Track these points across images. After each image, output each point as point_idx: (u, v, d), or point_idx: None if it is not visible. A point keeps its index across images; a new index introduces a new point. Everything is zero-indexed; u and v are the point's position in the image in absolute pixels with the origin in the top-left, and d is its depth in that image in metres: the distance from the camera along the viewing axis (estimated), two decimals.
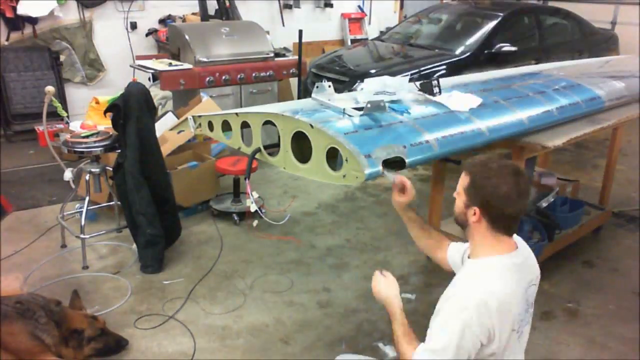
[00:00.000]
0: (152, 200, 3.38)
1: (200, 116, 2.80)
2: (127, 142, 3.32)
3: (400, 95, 2.54)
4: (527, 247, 1.80)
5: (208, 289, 3.29)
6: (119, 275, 3.40)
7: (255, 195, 4.34)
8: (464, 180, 1.73)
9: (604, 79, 3.63)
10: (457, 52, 5.62)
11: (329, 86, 2.46)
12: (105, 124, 4.23)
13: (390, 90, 2.49)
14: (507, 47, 5.62)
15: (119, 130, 3.38)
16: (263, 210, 4.19)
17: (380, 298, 1.88)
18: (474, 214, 1.68)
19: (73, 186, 3.77)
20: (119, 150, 3.43)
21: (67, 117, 4.92)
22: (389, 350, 2.78)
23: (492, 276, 1.65)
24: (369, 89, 2.52)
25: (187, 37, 5.01)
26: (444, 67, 5.36)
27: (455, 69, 5.25)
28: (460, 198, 1.75)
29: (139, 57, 5.79)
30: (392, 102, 2.47)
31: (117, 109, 3.31)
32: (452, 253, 2.05)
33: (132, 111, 3.28)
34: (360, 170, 1.97)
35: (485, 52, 5.61)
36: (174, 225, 3.63)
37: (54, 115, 4.62)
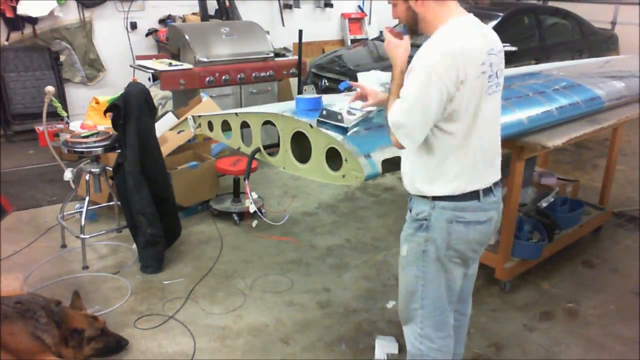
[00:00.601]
0: (152, 200, 3.38)
1: (200, 116, 2.80)
2: (127, 142, 3.32)
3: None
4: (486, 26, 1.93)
5: (208, 289, 3.29)
6: (119, 275, 3.40)
7: (255, 195, 4.39)
8: None
9: (603, 79, 3.63)
10: None
11: (312, 89, 2.49)
12: (105, 124, 4.24)
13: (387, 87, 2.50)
14: (507, 47, 5.60)
15: (119, 130, 3.38)
16: (263, 211, 4.20)
17: (391, 54, 1.96)
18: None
19: (73, 186, 3.78)
20: (119, 150, 3.43)
21: (67, 117, 4.93)
22: (379, 348, 2.78)
23: (454, 31, 1.79)
24: (364, 85, 2.53)
25: (187, 37, 5.01)
26: None
27: None
28: (399, 5, 1.90)
29: (139, 57, 5.79)
30: None
31: (117, 109, 3.32)
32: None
33: (132, 111, 3.28)
34: (360, 170, 1.97)
35: None
36: (174, 225, 3.63)
37: (54, 115, 4.64)
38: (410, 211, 2.01)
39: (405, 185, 2.01)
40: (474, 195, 1.92)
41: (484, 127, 1.89)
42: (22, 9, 5.65)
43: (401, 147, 1.84)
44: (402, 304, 2.12)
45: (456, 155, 1.87)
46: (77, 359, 2.56)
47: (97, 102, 4.90)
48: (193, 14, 6.74)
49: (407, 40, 1.95)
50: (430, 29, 1.86)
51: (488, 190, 1.96)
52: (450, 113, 1.79)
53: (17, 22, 5.75)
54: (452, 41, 1.75)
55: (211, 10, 6.59)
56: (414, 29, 1.93)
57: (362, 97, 2.15)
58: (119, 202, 3.76)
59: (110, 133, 3.56)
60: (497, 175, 2.02)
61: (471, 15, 1.87)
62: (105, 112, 3.48)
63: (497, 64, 1.87)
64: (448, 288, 2.03)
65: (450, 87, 1.73)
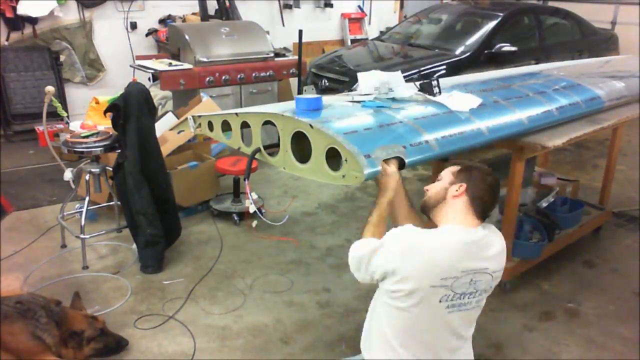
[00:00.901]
0: (152, 200, 3.38)
1: (200, 116, 2.80)
2: (127, 142, 3.32)
3: (398, 92, 2.55)
4: (499, 242, 1.91)
5: (208, 289, 3.29)
6: (119, 275, 3.40)
7: (255, 196, 4.39)
8: (451, 168, 1.98)
9: (604, 79, 3.63)
10: (457, 52, 5.62)
11: (312, 89, 2.49)
12: (105, 124, 4.24)
13: (389, 87, 2.51)
14: (507, 47, 5.62)
15: (119, 130, 3.38)
16: (263, 211, 4.20)
17: (383, 183, 2.04)
18: (458, 189, 1.90)
19: (73, 186, 3.77)
20: (119, 150, 3.43)
21: (67, 117, 4.92)
22: None
23: (437, 236, 1.84)
24: (366, 85, 2.54)
25: (187, 37, 5.01)
26: (444, 67, 5.36)
27: (455, 69, 5.25)
28: (444, 180, 1.97)
29: (139, 57, 5.79)
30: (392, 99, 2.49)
31: (117, 109, 3.31)
32: None
33: (132, 111, 3.28)
34: (360, 170, 1.97)
35: (485, 52, 5.62)
36: (174, 225, 3.63)
37: (54, 115, 4.63)
38: None
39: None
40: None
41: (436, 333, 1.89)
42: (22, 9, 5.65)
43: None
44: None
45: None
46: (77, 359, 2.56)
47: (97, 102, 4.91)
48: (193, 14, 6.74)
49: (395, 169, 2.03)
50: (438, 218, 1.95)
51: None
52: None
53: (17, 22, 5.75)
54: (421, 243, 1.80)
55: (211, 10, 6.59)
56: (429, 208, 1.99)
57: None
58: (119, 202, 3.77)
59: (110, 133, 3.56)
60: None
61: (479, 229, 1.88)
62: (105, 112, 3.48)
63: (484, 283, 1.86)
64: None
65: (386, 268, 1.81)
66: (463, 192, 1.90)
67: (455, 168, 1.98)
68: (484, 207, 1.90)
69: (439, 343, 1.90)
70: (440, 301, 1.80)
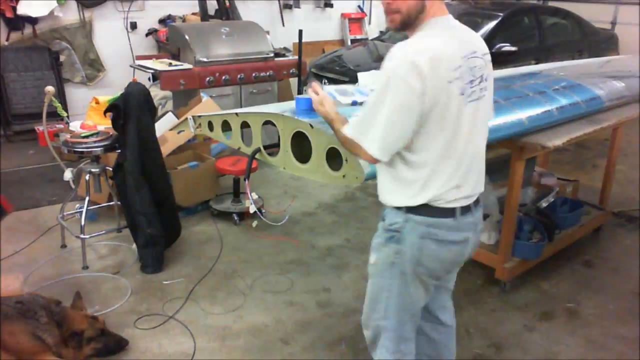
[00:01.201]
0: (152, 200, 3.38)
1: (200, 116, 2.80)
2: (127, 142, 3.32)
3: None
4: (465, 26, 1.84)
5: (208, 289, 3.29)
6: (119, 275, 3.40)
7: (255, 196, 4.39)
8: None
9: (603, 79, 3.63)
10: None
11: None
12: (105, 124, 4.23)
13: None
14: (507, 47, 5.62)
15: (119, 131, 3.38)
16: (263, 211, 4.20)
17: (318, 112, 1.94)
18: None
19: (73, 186, 3.77)
20: (119, 151, 3.43)
21: (67, 117, 4.92)
22: None
23: (423, 35, 1.73)
24: (366, 85, 2.53)
25: (187, 37, 5.01)
26: None
27: None
28: None
29: (139, 57, 5.79)
30: None
31: (117, 109, 3.32)
32: None
33: (132, 111, 3.28)
34: (360, 170, 1.97)
35: None
36: (174, 225, 3.63)
37: (54, 115, 4.63)
38: (383, 220, 1.93)
39: (378, 194, 1.94)
40: (449, 212, 1.81)
41: (464, 137, 1.76)
42: (22, 9, 5.65)
43: (374, 161, 1.75)
44: (365, 312, 2.08)
45: (431, 166, 1.75)
46: (77, 359, 2.56)
47: (97, 102, 4.90)
48: (193, 14, 6.74)
49: (319, 89, 1.94)
50: (412, 28, 1.77)
51: (466, 209, 1.84)
52: (421, 122, 1.67)
53: (17, 22, 5.76)
54: (419, 49, 1.65)
55: (211, 10, 6.59)
56: (407, 25, 1.76)
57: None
58: (118, 202, 3.76)
59: (110, 133, 3.56)
60: (478, 189, 1.89)
61: (449, 16, 1.78)
62: (105, 112, 3.48)
63: (480, 68, 1.76)
64: (412, 304, 1.97)
65: (411, 94, 1.63)
66: None
67: None
68: None
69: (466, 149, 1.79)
70: (461, 94, 1.70)
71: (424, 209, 1.80)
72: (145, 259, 3.45)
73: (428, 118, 1.67)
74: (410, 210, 1.81)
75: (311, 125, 2.10)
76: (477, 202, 1.90)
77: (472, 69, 1.73)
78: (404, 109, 1.64)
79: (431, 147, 1.73)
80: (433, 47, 1.65)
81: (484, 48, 1.82)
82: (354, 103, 2.20)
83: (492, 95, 1.89)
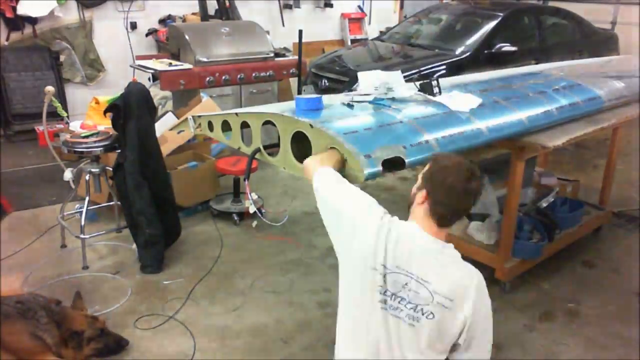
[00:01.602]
0: (152, 201, 3.38)
1: (200, 116, 2.80)
2: (127, 142, 3.32)
3: (398, 92, 2.55)
4: (458, 272, 1.69)
5: (208, 289, 3.29)
6: (118, 276, 3.40)
7: (255, 196, 4.39)
8: (425, 167, 1.82)
9: (603, 79, 3.63)
10: (457, 52, 5.62)
11: (312, 89, 2.49)
12: (105, 124, 4.23)
13: (389, 87, 2.51)
14: (507, 47, 5.61)
15: (119, 131, 3.39)
16: (263, 211, 4.20)
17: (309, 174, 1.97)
18: (422, 196, 1.75)
19: (73, 186, 3.77)
20: (119, 151, 3.43)
21: (67, 117, 4.91)
22: None
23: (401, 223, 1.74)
24: (366, 84, 2.53)
25: (187, 37, 5.01)
26: (444, 67, 5.35)
27: (455, 69, 5.24)
28: (417, 182, 1.82)
29: (139, 57, 5.79)
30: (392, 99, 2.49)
31: (117, 109, 3.32)
32: None
33: (132, 111, 3.28)
34: (360, 170, 1.97)
35: (485, 52, 5.61)
36: (174, 225, 3.63)
37: (54, 115, 4.62)
38: None
39: None
40: None
41: (382, 344, 1.70)
42: (22, 9, 5.65)
43: None
44: None
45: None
46: (77, 359, 2.56)
47: (97, 102, 4.89)
48: (193, 14, 6.74)
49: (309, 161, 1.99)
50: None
51: None
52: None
53: (17, 22, 5.75)
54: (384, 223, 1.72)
55: (211, 10, 6.59)
56: (408, 208, 1.85)
57: None
58: (118, 202, 3.76)
59: (110, 133, 3.56)
60: None
61: (439, 243, 1.71)
62: (105, 112, 3.48)
63: (417, 297, 1.64)
64: None
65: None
66: (424, 199, 1.73)
67: (426, 167, 1.80)
68: (446, 213, 1.70)
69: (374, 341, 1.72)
70: (373, 288, 1.69)
71: None
72: (145, 259, 3.45)
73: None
74: None
75: (311, 125, 2.10)
76: None
77: (410, 290, 1.66)
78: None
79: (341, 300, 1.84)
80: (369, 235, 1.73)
81: (448, 293, 1.64)
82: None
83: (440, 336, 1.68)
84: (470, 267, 1.71)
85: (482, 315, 1.69)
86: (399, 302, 1.67)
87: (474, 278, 1.68)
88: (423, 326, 1.65)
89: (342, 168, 1.99)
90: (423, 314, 1.65)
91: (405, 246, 1.69)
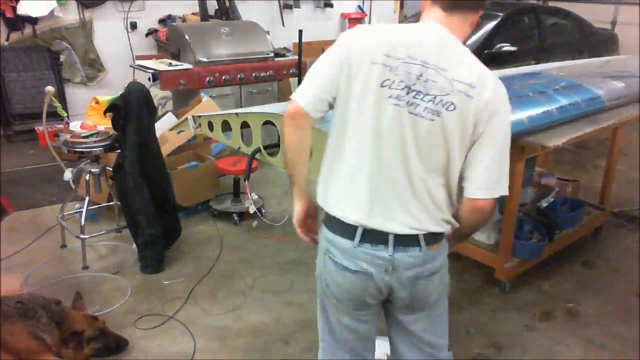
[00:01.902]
0: (152, 201, 3.38)
1: (200, 116, 2.80)
2: (127, 142, 3.32)
3: None
4: (477, 63, 1.56)
5: (208, 289, 3.29)
6: (118, 276, 3.40)
7: (255, 196, 4.39)
8: None
9: (604, 79, 3.62)
10: None
11: None
12: (105, 124, 4.23)
13: None
14: (507, 47, 5.61)
15: (119, 130, 3.38)
16: (263, 211, 4.20)
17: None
18: None
19: (73, 186, 3.78)
20: (119, 150, 3.43)
21: (67, 117, 4.92)
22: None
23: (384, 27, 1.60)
24: None
25: (187, 37, 5.01)
26: None
27: None
28: None
29: (139, 57, 5.79)
30: None
31: (117, 109, 3.32)
32: None
33: (132, 111, 3.28)
34: None
35: (485, 52, 5.61)
36: (174, 225, 3.63)
37: (54, 115, 4.63)
38: None
39: None
40: (349, 231, 1.58)
41: (385, 145, 1.52)
42: (22, 9, 5.64)
43: (300, 111, 1.58)
44: None
45: (330, 165, 1.62)
46: (77, 359, 2.56)
47: (97, 102, 4.89)
48: (193, 14, 6.73)
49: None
50: None
51: (376, 239, 1.56)
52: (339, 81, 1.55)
53: (17, 22, 5.75)
54: (360, 31, 1.58)
55: (211, 10, 6.59)
56: None
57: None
58: (118, 202, 3.77)
59: (110, 133, 3.55)
60: (404, 227, 1.54)
61: (439, 26, 1.56)
62: (105, 112, 3.48)
63: (434, 84, 1.49)
64: (330, 331, 1.76)
65: (337, 46, 1.56)
66: None
67: None
68: None
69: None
70: (381, 85, 1.50)
71: (329, 219, 1.64)
72: (145, 259, 3.45)
73: (341, 86, 1.54)
74: (326, 216, 1.65)
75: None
76: (405, 241, 1.56)
77: (426, 81, 1.50)
78: (328, 60, 1.56)
79: (334, 129, 1.61)
80: (379, 28, 1.59)
81: (468, 78, 1.50)
82: None
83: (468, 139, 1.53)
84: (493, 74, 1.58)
85: (501, 109, 1.53)
86: (414, 97, 1.49)
87: (490, 72, 1.56)
88: (445, 120, 1.49)
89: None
90: (443, 106, 1.49)
91: (417, 37, 1.53)
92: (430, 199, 1.55)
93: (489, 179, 1.54)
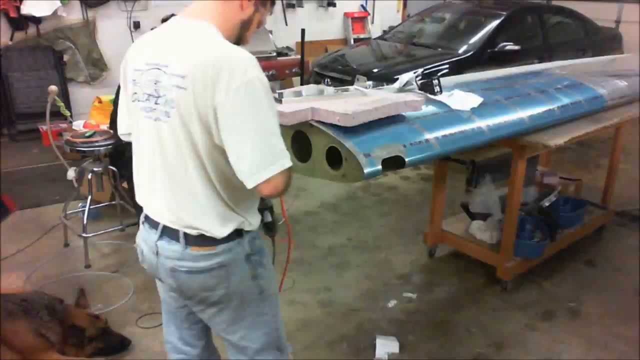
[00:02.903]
0: None
1: None
2: None
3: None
4: (201, 42, 1.45)
5: None
6: (121, 274, 3.41)
7: None
8: None
9: (606, 78, 3.62)
10: (460, 51, 5.61)
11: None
12: (108, 123, 4.25)
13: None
14: (511, 46, 5.60)
15: None
16: None
17: None
18: None
19: (76, 185, 3.79)
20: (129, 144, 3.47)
21: (71, 116, 4.94)
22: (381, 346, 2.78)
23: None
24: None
25: None
26: (447, 66, 5.35)
27: (459, 68, 5.24)
28: None
29: None
30: None
31: None
32: None
33: None
34: (360, 169, 1.97)
35: (489, 51, 5.60)
36: None
37: (57, 115, 4.64)
38: None
39: None
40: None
41: (146, 151, 1.57)
42: (26, 9, 5.67)
43: None
44: None
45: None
46: (79, 357, 2.57)
47: (100, 102, 4.93)
48: None
49: None
50: None
51: (151, 223, 1.64)
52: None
53: (20, 22, 5.78)
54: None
55: None
56: None
57: None
58: (121, 202, 3.79)
59: (112, 132, 3.57)
60: (166, 217, 1.58)
61: (180, 16, 1.55)
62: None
63: (164, 87, 1.44)
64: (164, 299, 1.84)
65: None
66: None
67: None
68: None
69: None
70: (133, 100, 1.56)
71: None
72: None
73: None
74: None
75: (311, 125, 2.10)
76: (173, 235, 1.58)
77: (157, 83, 1.46)
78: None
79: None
80: (140, 40, 1.59)
81: (182, 69, 1.40)
82: None
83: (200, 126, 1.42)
84: (228, 47, 1.45)
85: (230, 88, 1.36)
86: (154, 102, 1.47)
87: (227, 55, 1.41)
88: (173, 120, 1.44)
89: None
90: (169, 105, 1.44)
91: (157, 38, 1.53)
92: (193, 198, 1.52)
93: (249, 166, 1.39)
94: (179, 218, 1.55)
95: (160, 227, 1.60)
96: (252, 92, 1.37)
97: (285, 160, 1.41)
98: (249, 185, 1.40)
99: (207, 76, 1.37)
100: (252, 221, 1.62)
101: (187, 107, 1.41)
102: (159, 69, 1.46)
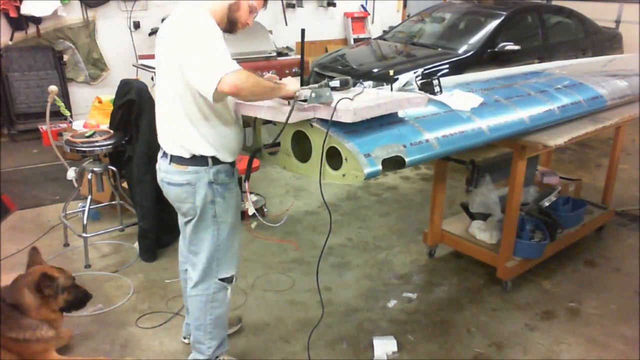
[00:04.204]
0: (153, 196, 3.41)
1: None
2: (139, 135, 3.43)
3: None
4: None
5: None
6: (120, 274, 3.41)
7: (254, 197, 4.39)
8: None
9: (606, 78, 3.62)
10: (460, 51, 5.61)
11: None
12: (107, 123, 4.24)
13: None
14: (511, 46, 5.60)
15: (132, 124, 3.48)
16: (265, 209, 4.21)
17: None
18: None
19: (76, 185, 3.79)
20: (129, 144, 3.53)
21: (71, 116, 4.94)
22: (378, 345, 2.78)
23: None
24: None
25: None
26: (447, 66, 5.35)
27: (459, 68, 5.24)
28: None
29: (142, 57, 5.81)
30: None
31: (132, 103, 3.43)
32: None
33: (146, 106, 3.38)
34: (360, 169, 1.97)
35: (489, 51, 5.61)
36: (175, 223, 3.63)
37: (57, 115, 4.65)
38: None
39: None
40: None
41: (159, 97, 2.18)
42: (26, 9, 5.67)
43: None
44: None
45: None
46: (52, 310, 2.55)
47: (100, 102, 4.91)
48: None
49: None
50: None
51: (162, 154, 2.25)
52: None
53: (20, 22, 5.78)
54: None
55: None
56: None
57: None
58: (121, 202, 3.78)
59: (112, 132, 3.57)
60: (162, 141, 2.23)
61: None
62: (120, 106, 3.53)
63: (161, 50, 2.11)
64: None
65: None
66: None
67: None
68: None
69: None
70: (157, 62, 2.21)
71: None
72: (140, 250, 3.56)
73: None
74: None
75: (311, 125, 2.10)
76: (165, 153, 2.20)
77: (159, 47, 2.13)
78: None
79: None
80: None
81: (168, 32, 2.08)
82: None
83: (167, 74, 2.10)
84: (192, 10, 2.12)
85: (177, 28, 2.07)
86: (158, 62, 2.17)
87: (183, 14, 2.11)
88: (161, 67, 2.14)
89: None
90: (164, 62, 2.14)
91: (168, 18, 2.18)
92: (170, 126, 2.16)
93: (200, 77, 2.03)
94: (166, 141, 2.20)
95: (162, 149, 2.24)
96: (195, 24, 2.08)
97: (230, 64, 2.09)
98: (208, 94, 1.98)
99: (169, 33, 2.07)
100: (221, 157, 2.17)
101: (166, 54, 2.08)
102: (162, 39, 2.13)
